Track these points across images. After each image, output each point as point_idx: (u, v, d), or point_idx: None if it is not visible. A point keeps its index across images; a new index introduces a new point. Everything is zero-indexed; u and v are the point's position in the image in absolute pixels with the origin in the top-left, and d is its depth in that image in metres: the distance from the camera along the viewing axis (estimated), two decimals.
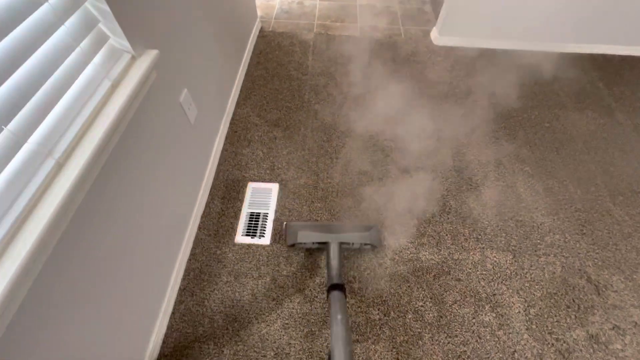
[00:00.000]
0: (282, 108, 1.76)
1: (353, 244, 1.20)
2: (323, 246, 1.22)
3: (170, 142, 1.08)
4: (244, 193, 1.42)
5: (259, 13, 2.32)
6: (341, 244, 1.17)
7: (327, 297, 1.02)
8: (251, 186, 1.45)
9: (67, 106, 0.68)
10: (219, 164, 1.51)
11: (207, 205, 1.38)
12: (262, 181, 1.46)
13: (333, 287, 1.02)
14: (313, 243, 1.20)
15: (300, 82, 1.89)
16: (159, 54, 0.91)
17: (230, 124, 1.67)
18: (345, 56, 2.06)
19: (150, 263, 1.00)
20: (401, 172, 1.52)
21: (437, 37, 2.18)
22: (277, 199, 1.41)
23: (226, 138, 1.61)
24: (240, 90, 1.83)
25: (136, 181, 0.89)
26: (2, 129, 0.54)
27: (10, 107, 0.55)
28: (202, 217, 1.34)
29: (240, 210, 1.37)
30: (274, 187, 1.45)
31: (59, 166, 0.64)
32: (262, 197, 1.41)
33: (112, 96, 0.78)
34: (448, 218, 1.38)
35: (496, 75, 1.98)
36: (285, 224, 1.26)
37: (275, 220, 1.34)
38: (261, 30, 2.22)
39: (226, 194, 1.42)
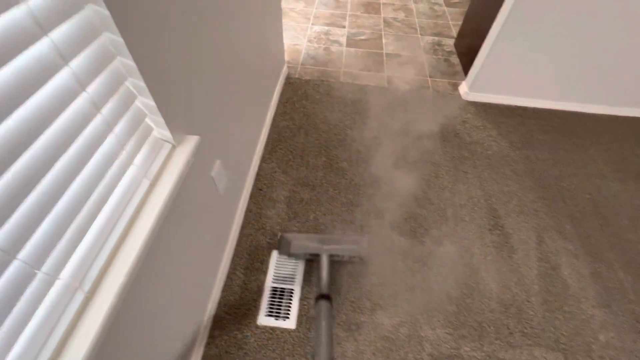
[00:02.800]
0: (309, 165, 1.69)
1: (343, 256, 1.28)
2: (315, 258, 1.31)
3: (198, 219, 1.00)
4: (267, 263, 1.33)
5: (286, 58, 2.31)
6: (331, 256, 1.26)
7: (315, 304, 1.11)
8: (276, 255, 1.35)
9: (104, 221, 0.60)
10: (242, 227, 1.42)
11: (229, 276, 1.28)
12: None
13: (321, 296, 1.10)
14: (305, 254, 1.30)
15: (328, 136, 1.83)
16: (200, 139, 0.85)
17: (255, 180, 1.60)
18: (375, 109, 2.02)
19: (166, 348, 0.90)
20: (435, 244, 1.42)
21: (467, 92, 2.13)
22: (304, 273, 1.31)
23: (251, 197, 1.53)
24: (266, 143, 1.77)
25: (160, 266, 0.80)
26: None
27: (54, 233, 0.47)
28: (222, 291, 1.24)
29: (263, 284, 1.27)
30: None
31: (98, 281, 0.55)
32: (288, 269, 1.31)
33: (149, 197, 0.70)
34: (489, 305, 1.26)
35: (530, 136, 1.92)
36: (280, 235, 1.37)
37: (302, 300, 1.23)
38: (288, 77, 2.20)
39: (249, 264, 1.32)
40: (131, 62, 0.60)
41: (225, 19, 1.03)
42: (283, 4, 2.84)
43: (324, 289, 1.14)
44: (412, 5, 3.08)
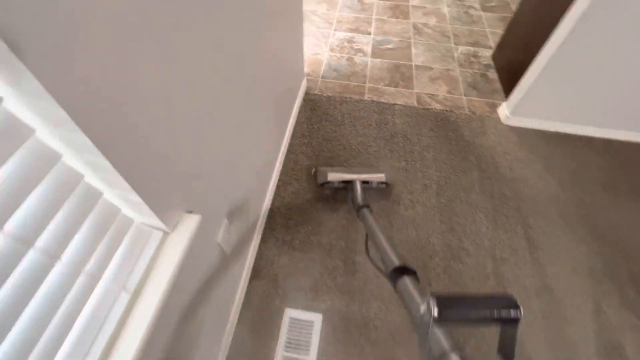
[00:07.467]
0: (329, 200, 1.50)
1: (371, 182, 1.43)
2: (347, 185, 1.40)
3: (202, 291, 0.83)
4: (279, 325, 1.16)
5: (305, 69, 2.11)
6: (363, 182, 1.37)
7: (358, 215, 1.14)
8: (289, 315, 1.18)
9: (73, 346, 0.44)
10: (252, 278, 1.26)
11: (234, 340, 1.12)
12: (303, 308, 1.20)
13: (361, 207, 1.14)
14: (339, 182, 1.41)
15: (351, 165, 1.63)
16: (201, 218, 0.67)
17: (268, 218, 1.43)
18: (402, 134, 1.80)
19: None
20: None
21: (508, 116, 1.88)
22: (320, 339, 1.14)
23: (262, 240, 1.36)
24: (281, 173, 1.59)
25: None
26: None
27: None
28: None
29: (274, 353, 1.10)
30: (317, 320, 1.18)
31: None
32: (302, 333, 1.14)
33: (131, 312, 0.54)
34: None
35: (583, 173, 1.67)
36: (315, 169, 1.51)
37: None
38: (307, 92, 2.00)
39: (258, 326, 1.16)
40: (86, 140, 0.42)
41: (241, 31, 0.84)
42: (304, 7, 2.62)
43: (363, 201, 1.21)
44: (445, 9, 2.80)
